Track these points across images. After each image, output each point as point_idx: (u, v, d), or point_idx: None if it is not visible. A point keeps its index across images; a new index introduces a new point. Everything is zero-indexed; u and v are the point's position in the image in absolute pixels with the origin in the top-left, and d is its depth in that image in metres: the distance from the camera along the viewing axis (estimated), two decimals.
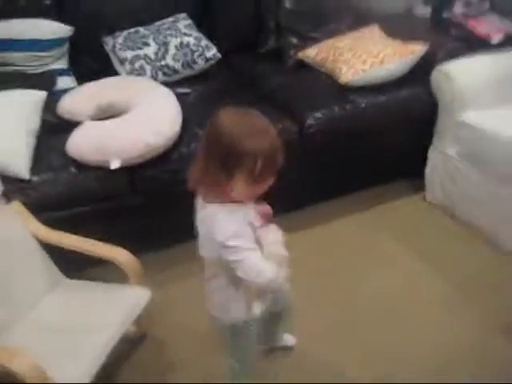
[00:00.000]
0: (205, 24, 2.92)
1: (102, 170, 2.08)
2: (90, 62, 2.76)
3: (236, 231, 1.32)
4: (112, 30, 2.71)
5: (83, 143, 2.07)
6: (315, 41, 2.80)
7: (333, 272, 2.34)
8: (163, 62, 2.60)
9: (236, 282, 1.42)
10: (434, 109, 2.58)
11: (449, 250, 2.46)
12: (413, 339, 2.03)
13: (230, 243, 1.31)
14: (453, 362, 1.92)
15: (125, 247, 1.85)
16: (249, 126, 1.34)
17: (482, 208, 2.46)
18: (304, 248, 2.45)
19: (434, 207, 2.72)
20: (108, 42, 2.69)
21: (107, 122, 2.15)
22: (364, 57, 2.51)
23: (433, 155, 2.66)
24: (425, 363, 1.93)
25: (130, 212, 2.24)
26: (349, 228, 2.60)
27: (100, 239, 1.86)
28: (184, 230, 2.40)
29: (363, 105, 2.47)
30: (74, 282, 1.91)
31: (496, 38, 2.66)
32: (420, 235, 2.56)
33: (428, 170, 2.71)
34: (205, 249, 1.47)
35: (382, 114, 2.51)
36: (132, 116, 2.15)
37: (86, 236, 1.87)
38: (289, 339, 2.00)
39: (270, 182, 1.36)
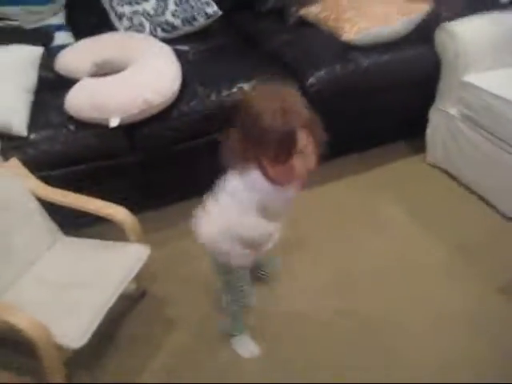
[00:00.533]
0: None
1: (101, 127, 2.05)
2: (88, 18, 2.72)
3: None
4: None
5: (81, 100, 2.04)
6: None
7: (331, 234, 2.35)
8: (162, 18, 2.55)
9: None
10: (437, 68, 2.53)
11: (448, 212, 2.46)
12: (412, 301, 2.03)
13: None
14: (454, 323, 1.94)
15: (124, 206, 1.84)
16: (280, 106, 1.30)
17: (481, 170, 2.45)
18: (302, 209, 2.45)
19: (434, 168, 2.71)
20: None
21: (105, 79, 2.11)
22: (368, 15, 2.46)
23: (434, 115, 2.63)
24: (425, 326, 1.93)
25: (129, 170, 2.23)
26: (348, 189, 2.59)
27: (99, 198, 1.85)
28: (183, 189, 2.43)
29: (366, 64, 2.43)
30: (73, 239, 1.91)
31: None
32: (420, 197, 2.55)
33: (429, 131, 2.68)
34: None
35: (385, 73, 2.48)
36: (131, 73, 2.11)
37: (85, 195, 1.86)
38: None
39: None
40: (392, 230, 2.36)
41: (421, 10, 2.51)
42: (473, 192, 2.53)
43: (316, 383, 1.74)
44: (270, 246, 1.63)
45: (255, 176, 1.42)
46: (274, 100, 1.31)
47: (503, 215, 2.39)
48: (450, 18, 2.50)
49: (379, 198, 2.53)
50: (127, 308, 1.99)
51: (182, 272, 2.16)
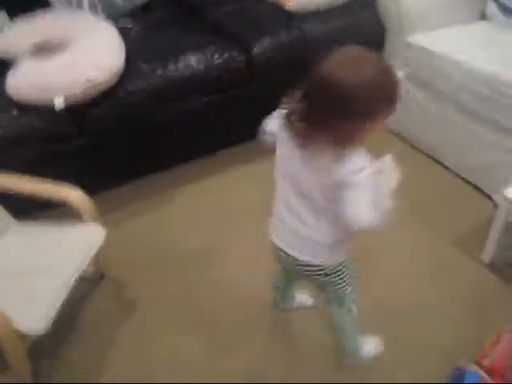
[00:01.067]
0: None
1: (46, 110, 2.00)
2: None
3: None
4: None
5: (22, 83, 1.98)
6: None
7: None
8: None
9: None
10: (382, 32, 2.56)
11: (403, 172, 2.50)
12: (371, 251, 2.07)
13: None
14: (418, 277, 2.01)
15: (78, 188, 1.80)
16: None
17: (429, 129, 2.51)
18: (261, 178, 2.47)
19: (386, 132, 2.75)
20: None
21: (46, 59, 2.04)
22: None
23: None
24: (381, 274, 2.01)
25: (78, 152, 2.19)
26: None
27: (51, 181, 1.80)
28: (133, 168, 2.40)
29: (310, 30, 2.43)
30: (27, 224, 1.87)
31: None
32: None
33: None
34: None
35: (329, 39, 2.46)
36: (71, 52, 2.06)
37: (37, 179, 1.81)
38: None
39: None
40: None
41: None
42: (423, 152, 2.60)
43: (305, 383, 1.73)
44: None
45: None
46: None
47: (451, 171, 2.47)
48: None
49: None
50: (87, 291, 1.97)
51: (139, 252, 2.14)
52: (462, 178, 2.43)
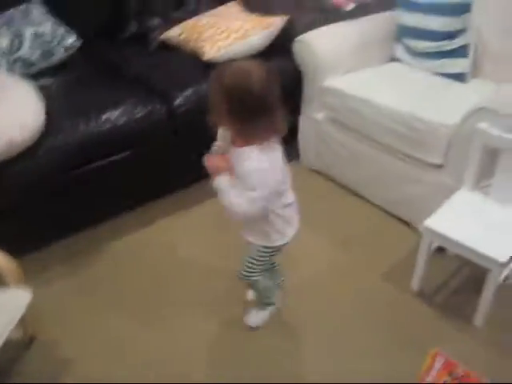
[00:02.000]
0: (61, 10, 2.79)
1: None
2: None
3: None
4: None
5: None
6: (177, 21, 2.79)
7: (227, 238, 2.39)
8: (19, 54, 2.46)
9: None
10: (299, 78, 2.67)
11: (327, 209, 2.59)
12: (303, 293, 2.13)
13: None
14: (344, 313, 2.05)
15: (3, 250, 1.75)
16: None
17: (351, 166, 2.61)
18: (194, 224, 2.48)
19: (310, 171, 2.84)
20: None
21: None
22: (226, 33, 2.54)
23: (303, 122, 2.77)
24: (318, 320, 2.03)
25: (3, 212, 2.12)
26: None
27: None
28: (63, 225, 2.35)
29: None
30: None
31: (349, 7, 2.80)
32: (298, 198, 2.64)
33: (300, 137, 2.82)
34: None
35: None
36: None
37: None
38: None
39: None
40: None
41: (276, 24, 2.63)
42: (347, 188, 2.69)
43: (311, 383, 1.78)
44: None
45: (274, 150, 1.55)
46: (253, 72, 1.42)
47: (375, 205, 2.57)
48: (304, 30, 2.65)
49: None
50: (16, 356, 1.88)
51: (73, 311, 2.08)
52: (386, 211, 2.53)
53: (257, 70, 1.42)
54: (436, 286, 2.15)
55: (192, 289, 2.17)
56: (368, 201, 2.60)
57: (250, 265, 1.80)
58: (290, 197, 1.73)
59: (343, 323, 2.01)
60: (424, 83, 2.53)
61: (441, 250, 2.10)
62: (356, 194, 2.65)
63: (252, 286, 1.95)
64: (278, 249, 1.79)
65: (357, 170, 2.59)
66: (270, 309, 2.03)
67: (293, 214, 1.77)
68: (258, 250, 1.77)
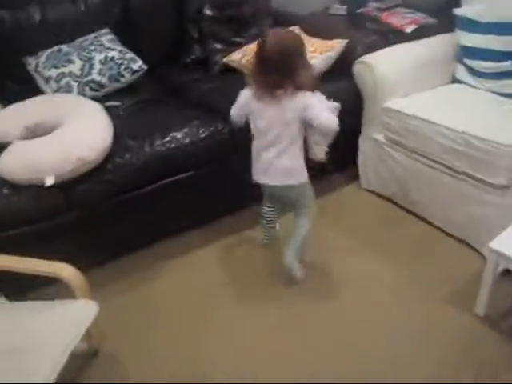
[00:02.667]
0: (128, 37, 2.94)
1: (36, 188, 2.04)
2: (14, 85, 2.72)
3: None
4: (34, 50, 2.68)
5: (13, 163, 2.03)
6: (239, 45, 2.86)
7: (270, 259, 2.41)
8: (89, 78, 2.58)
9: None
10: (359, 99, 2.67)
11: (389, 232, 2.55)
12: (364, 318, 2.10)
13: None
14: (410, 340, 2.00)
15: (69, 264, 1.81)
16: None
17: (411, 188, 2.58)
18: (250, 246, 2.50)
19: (369, 193, 2.82)
20: (31, 62, 2.65)
21: (37, 140, 2.11)
22: None
23: (363, 143, 2.76)
24: (382, 346, 1.99)
25: (68, 229, 2.21)
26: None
27: (40, 259, 1.81)
28: (124, 242, 2.43)
29: None
30: (17, 303, 1.86)
31: (409, 29, 2.79)
32: (359, 222, 2.64)
33: (360, 158, 2.81)
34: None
35: None
36: (62, 132, 2.12)
37: (26, 257, 1.82)
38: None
39: None
40: (337, 253, 2.44)
41: (337, 47, 2.65)
42: (407, 210, 2.65)
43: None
44: None
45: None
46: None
47: (438, 228, 2.51)
48: (365, 52, 2.66)
49: (323, 227, 2.56)
50: (80, 369, 1.94)
51: (133, 327, 2.13)
52: (447, 233, 2.47)
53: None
54: (503, 310, 2.07)
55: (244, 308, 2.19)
56: (429, 222, 2.55)
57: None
58: None
59: (408, 348, 1.96)
60: (486, 104, 2.50)
61: (508, 272, 2.03)
62: (417, 216, 2.60)
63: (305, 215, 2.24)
64: None
65: (417, 191, 2.55)
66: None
67: None
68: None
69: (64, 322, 1.73)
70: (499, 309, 2.06)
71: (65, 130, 2.13)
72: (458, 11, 2.71)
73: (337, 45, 2.67)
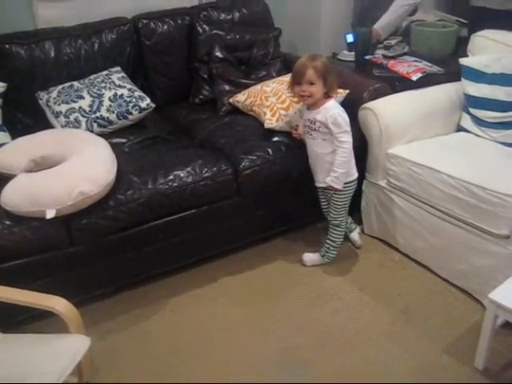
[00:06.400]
0: (139, 76, 3.01)
1: (37, 221, 2.06)
2: (25, 118, 2.78)
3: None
4: (46, 85, 2.74)
5: (16, 195, 2.05)
6: (246, 87, 2.90)
7: (278, 307, 2.38)
8: (98, 114, 2.63)
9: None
10: (364, 145, 2.69)
11: (389, 278, 2.53)
12: (359, 368, 2.06)
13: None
14: None
15: (65, 298, 1.81)
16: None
17: (414, 236, 2.56)
18: (247, 288, 2.50)
19: (372, 239, 2.81)
20: (42, 96, 2.71)
21: (40, 173, 2.14)
22: (288, 101, 2.60)
23: (366, 189, 2.76)
24: None
25: (68, 263, 2.21)
26: (291, 266, 2.65)
27: (37, 291, 1.81)
28: (124, 278, 2.42)
29: (292, 146, 2.56)
30: (9, 335, 1.85)
31: (415, 77, 2.82)
32: (360, 268, 2.62)
33: (363, 203, 2.81)
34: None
35: None
36: (66, 166, 2.15)
37: (23, 289, 1.82)
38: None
39: None
40: (335, 302, 2.41)
41: (340, 94, 2.67)
42: (409, 257, 2.64)
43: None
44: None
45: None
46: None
47: (439, 276, 2.49)
48: (371, 99, 2.69)
49: (322, 271, 2.59)
50: None
51: (124, 363, 2.11)
52: (449, 282, 2.44)
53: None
54: (503, 363, 2.02)
55: (249, 349, 2.16)
56: (431, 270, 2.52)
57: (338, 208, 2.48)
58: None
59: None
60: (491, 153, 2.50)
61: (509, 324, 1.99)
62: (419, 263, 2.58)
63: (337, 228, 2.54)
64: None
65: (420, 238, 2.53)
66: (328, 255, 2.61)
67: None
68: (341, 191, 2.41)
69: (55, 354, 1.72)
70: (499, 362, 2.02)
71: (69, 165, 2.16)
72: (463, 61, 2.75)
73: (338, 95, 2.67)
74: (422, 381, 1.98)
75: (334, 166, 2.33)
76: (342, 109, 2.36)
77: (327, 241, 2.59)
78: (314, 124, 2.35)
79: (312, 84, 2.25)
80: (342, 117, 2.31)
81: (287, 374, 2.04)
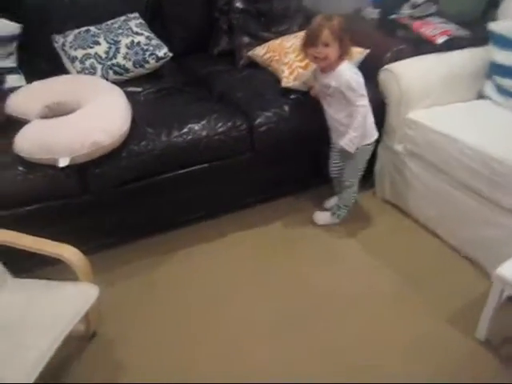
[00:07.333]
0: (157, 24, 2.94)
1: (50, 168, 2.06)
2: (40, 61, 2.74)
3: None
4: (62, 29, 2.70)
5: (30, 141, 2.05)
6: (267, 40, 2.83)
7: (284, 267, 2.39)
8: (114, 61, 2.59)
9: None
10: (382, 107, 2.63)
11: (398, 243, 2.53)
12: (363, 331, 2.08)
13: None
14: (406, 353, 1.99)
15: (76, 246, 1.83)
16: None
17: (427, 203, 2.54)
18: (256, 244, 2.52)
19: (383, 203, 2.80)
20: (58, 40, 2.67)
21: (55, 120, 2.13)
22: (305, 61, 2.52)
23: (382, 152, 2.73)
24: (379, 355, 1.98)
25: (81, 211, 2.24)
26: (300, 225, 2.65)
27: (51, 238, 1.84)
28: (132, 229, 2.44)
29: (309, 105, 2.50)
30: (21, 280, 1.88)
31: (440, 40, 2.74)
32: (371, 230, 2.62)
33: (377, 167, 2.78)
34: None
35: None
36: (80, 114, 2.14)
37: (34, 235, 1.84)
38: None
39: None
40: (344, 263, 2.43)
41: (360, 53, 2.60)
42: (420, 223, 2.62)
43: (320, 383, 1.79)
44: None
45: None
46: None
47: (449, 245, 2.48)
48: (392, 60, 2.62)
49: (331, 232, 2.60)
50: (76, 350, 1.96)
51: (131, 312, 2.15)
52: (459, 252, 2.43)
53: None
54: (504, 336, 2.04)
55: (251, 307, 2.20)
56: (441, 238, 2.51)
57: (352, 170, 2.46)
58: None
59: (399, 367, 1.93)
60: (511, 124, 2.44)
61: None
62: (429, 230, 2.57)
63: (348, 189, 2.52)
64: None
65: (432, 206, 2.52)
66: (339, 215, 2.61)
67: None
68: (359, 153, 2.38)
69: (64, 302, 1.77)
70: (501, 334, 2.03)
71: (83, 113, 2.14)
72: (492, 26, 2.65)
73: (357, 55, 2.61)
74: (422, 350, 2.00)
75: (349, 128, 2.29)
76: (355, 71, 2.28)
77: (338, 200, 2.60)
78: (328, 89, 2.29)
79: (327, 46, 2.15)
80: (357, 80, 2.23)
81: (285, 336, 2.06)
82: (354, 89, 2.22)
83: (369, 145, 2.42)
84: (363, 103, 2.26)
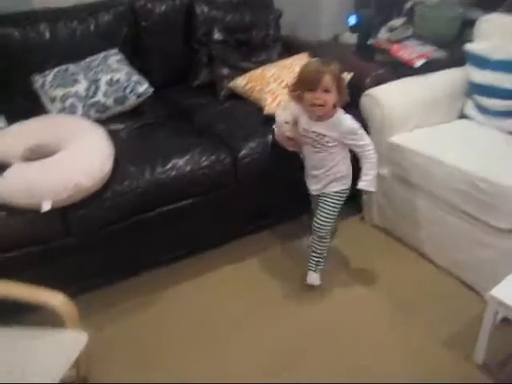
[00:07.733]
0: (137, 58, 2.93)
1: (33, 212, 2.02)
2: (21, 102, 2.70)
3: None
4: (42, 67, 2.67)
5: (11, 186, 2.01)
6: (247, 71, 2.84)
7: (278, 300, 2.37)
8: (95, 99, 2.57)
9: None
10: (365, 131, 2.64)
11: (389, 269, 2.51)
12: (358, 358, 2.06)
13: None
14: (403, 379, 1.96)
15: (60, 290, 1.79)
16: None
17: (415, 225, 2.54)
18: (248, 276, 2.49)
19: (372, 228, 2.79)
20: (37, 80, 2.64)
21: (36, 163, 2.09)
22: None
23: None
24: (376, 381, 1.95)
25: (64, 253, 2.19)
26: (286, 255, 2.63)
27: (33, 284, 1.79)
28: (118, 269, 2.41)
29: None
30: (5, 329, 1.83)
31: (418, 63, 2.76)
32: (360, 256, 2.60)
33: (364, 192, 2.76)
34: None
35: None
36: (61, 156, 2.11)
37: (15, 280, 1.79)
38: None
39: None
40: (333, 293, 2.40)
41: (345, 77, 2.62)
42: (411, 247, 2.61)
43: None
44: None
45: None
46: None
47: (441, 267, 2.47)
48: (373, 85, 2.64)
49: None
50: None
51: (123, 354, 2.11)
52: (451, 274, 2.42)
53: None
54: (502, 359, 2.02)
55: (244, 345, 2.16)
56: (432, 261, 2.50)
57: (329, 217, 2.26)
58: None
59: None
60: (494, 142, 2.46)
61: (508, 320, 1.98)
62: (420, 254, 2.56)
63: (323, 239, 2.32)
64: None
65: (421, 229, 2.51)
66: (322, 268, 2.39)
67: None
68: (336, 198, 2.25)
69: (54, 350, 1.71)
70: (498, 357, 2.02)
71: (64, 155, 2.11)
72: (468, 47, 2.69)
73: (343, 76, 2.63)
74: (420, 375, 1.97)
75: (364, 169, 2.16)
76: (350, 116, 2.17)
77: (313, 255, 2.36)
78: (323, 138, 2.16)
79: (327, 91, 2.04)
80: (355, 123, 2.16)
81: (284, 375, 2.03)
82: (357, 131, 2.15)
83: (347, 189, 2.28)
84: (368, 140, 2.18)
